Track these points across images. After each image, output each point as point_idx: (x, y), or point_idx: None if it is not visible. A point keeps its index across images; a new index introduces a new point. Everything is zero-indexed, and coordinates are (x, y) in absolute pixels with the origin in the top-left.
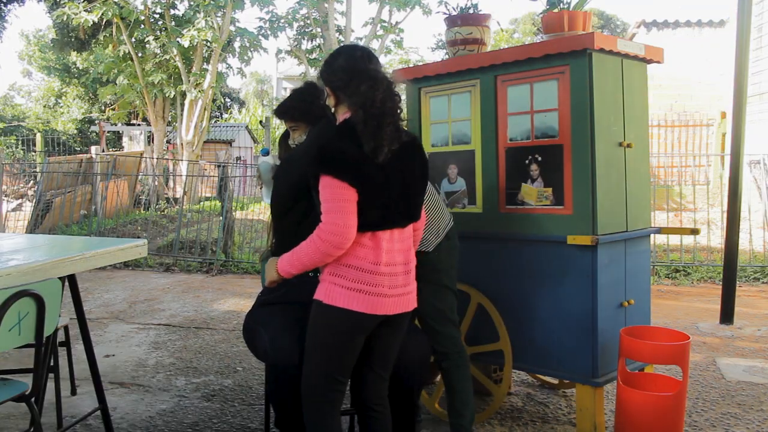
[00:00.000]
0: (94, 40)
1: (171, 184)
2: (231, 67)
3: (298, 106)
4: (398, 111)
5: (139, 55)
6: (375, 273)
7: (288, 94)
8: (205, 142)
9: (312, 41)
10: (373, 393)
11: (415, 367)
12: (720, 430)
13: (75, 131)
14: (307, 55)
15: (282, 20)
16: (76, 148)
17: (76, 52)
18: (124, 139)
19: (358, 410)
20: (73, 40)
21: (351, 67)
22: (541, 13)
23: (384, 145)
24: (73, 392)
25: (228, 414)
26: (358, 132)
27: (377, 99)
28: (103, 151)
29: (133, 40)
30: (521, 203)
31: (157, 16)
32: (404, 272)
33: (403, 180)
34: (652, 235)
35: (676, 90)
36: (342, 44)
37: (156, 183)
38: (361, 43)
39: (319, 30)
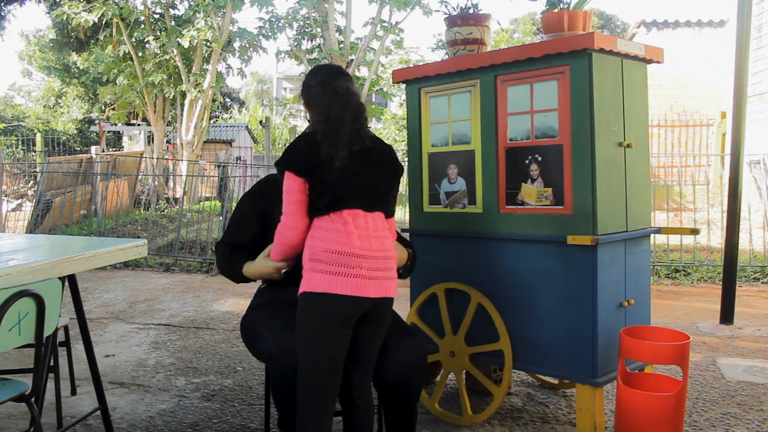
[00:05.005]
0: (93, 41)
1: (171, 184)
2: (231, 68)
3: None
4: (357, 121)
5: (139, 55)
6: (351, 255)
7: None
8: (205, 142)
9: (312, 41)
10: (356, 388)
11: (411, 370)
12: (720, 430)
13: (75, 131)
14: (307, 55)
15: (282, 20)
16: (76, 148)
17: (75, 52)
18: (124, 139)
19: (342, 404)
20: (72, 40)
21: (318, 83)
22: (541, 13)
23: (339, 151)
24: (73, 392)
25: (228, 414)
26: (318, 138)
27: (334, 110)
28: (103, 151)
29: (133, 40)
30: (521, 203)
31: (157, 16)
32: (383, 257)
33: (361, 175)
34: (652, 235)
35: (676, 90)
36: (323, 61)
37: (156, 183)
38: (360, 44)
39: (319, 30)
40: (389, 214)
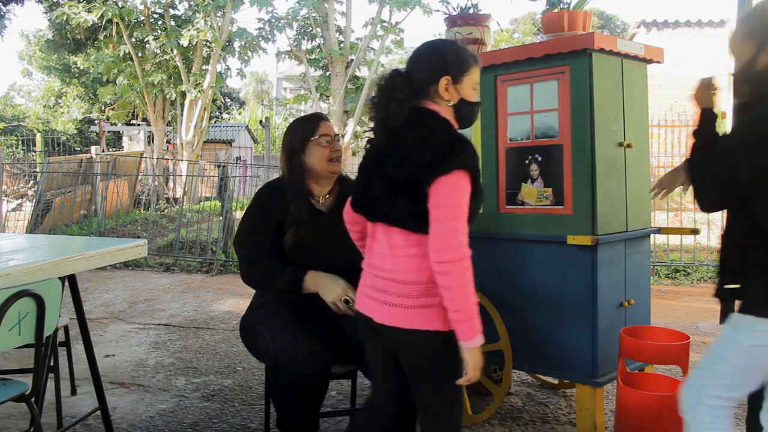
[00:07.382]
0: (91, 42)
1: (171, 184)
2: (230, 69)
3: None
4: (382, 101)
5: (139, 55)
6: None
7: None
8: (205, 142)
9: (312, 41)
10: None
11: None
12: None
13: (75, 131)
14: (306, 56)
15: (282, 21)
16: (76, 148)
17: (71, 53)
18: (124, 139)
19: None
20: (69, 41)
21: None
22: (541, 13)
23: (373, 139)
24: (73, 392)
25: (228, 414)
26: None
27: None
28: (103, 151)
29: (133, 40)
30: (521, 203)
31: (156, 16)
32: (375, 276)
33: (372, 168)
34: (652, 235)
35: (676, 90)
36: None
37: (156, 183)
38: (360, 44)
39: (319, 30)
40: (408, 227)
